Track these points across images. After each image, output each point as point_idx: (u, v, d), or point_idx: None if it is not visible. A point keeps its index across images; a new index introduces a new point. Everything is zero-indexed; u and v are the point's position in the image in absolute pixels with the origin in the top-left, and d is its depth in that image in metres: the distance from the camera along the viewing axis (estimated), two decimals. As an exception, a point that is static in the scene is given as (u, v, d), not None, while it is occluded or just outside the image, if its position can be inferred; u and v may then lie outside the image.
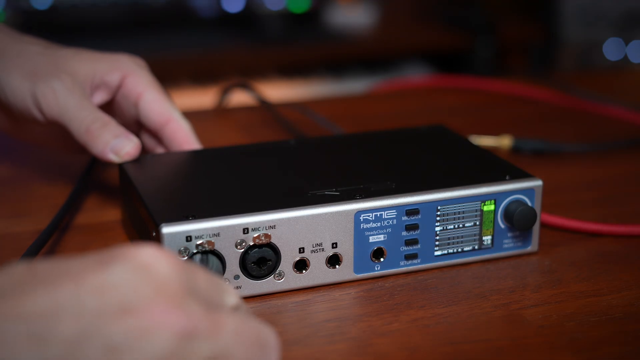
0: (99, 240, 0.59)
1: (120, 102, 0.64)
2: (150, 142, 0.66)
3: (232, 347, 0.35)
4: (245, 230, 0.49)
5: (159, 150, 0.65)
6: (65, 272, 0.33)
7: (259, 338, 0.36)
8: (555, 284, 0.53)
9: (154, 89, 0.63)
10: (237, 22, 1.92)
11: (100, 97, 0.63)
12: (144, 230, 0.52)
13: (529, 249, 0.57)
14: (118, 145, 0.58)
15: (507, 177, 0.55)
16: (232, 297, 0.38)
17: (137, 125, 0.65)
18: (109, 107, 0.64)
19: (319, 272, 0.52)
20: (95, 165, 0.64)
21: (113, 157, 0.58)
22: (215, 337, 0.34)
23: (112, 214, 0.63)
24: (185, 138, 0.62)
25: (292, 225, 0.50)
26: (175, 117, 0.63)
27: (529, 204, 0.55)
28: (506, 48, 2.05)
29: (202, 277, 0.36)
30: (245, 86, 0.87)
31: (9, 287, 0.32)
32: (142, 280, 0.33)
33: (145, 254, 0.34)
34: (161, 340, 0.32)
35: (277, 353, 0.37)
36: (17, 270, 0.33)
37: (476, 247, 0.55)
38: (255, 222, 0.49)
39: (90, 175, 0.66)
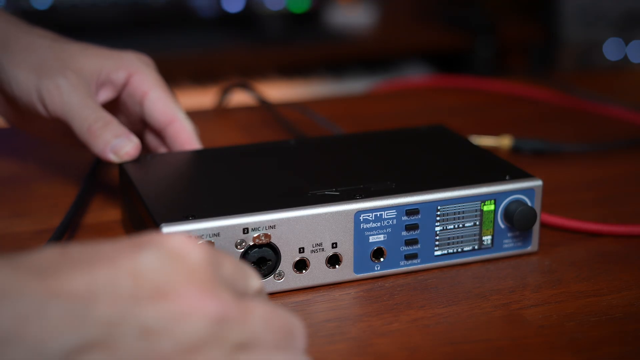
0: (99, 240, 0.59)
1: (125, 100, 0.64)
2: (153, 141, 0.66)
3: (261, 333, 0.35)
4: (245, 230, 0.49)
5: (162, 149, 0.65)
6: (99, 255, 0.34)
7: (286, 325, 0.37)
8: (555, 284, 0.53)
9: (160, 88, 0.63)
10: (237, 22, 1.92)
11: (106, 94, 0.63)
12: (144, 230, 0.52)
13: (529, 249, 0.57)
14: (118, 145, 0.58)
15: (507, 177, 0.55)
16: (255, 281, 0.38)
17: (142, 124, 0.65)
18: (115, 105, 0.64)
19: (319, 272, 0.52)
20: (100, 164, 0.64)
21: (112, 157, 0.58)
22: (245, 323, 0.35)
23: (112, 214, 0.63)
24: (187, 139, 0.62)
25: (292, 225, 0.50)
26: (179, 117, 0.63)
27: (529, 204, 0.55)
28: (506, 48, 2.05)
29: (228, 263, 0.37)
30: (245, 86, 0.87)
31: (46, 267, 0.33)
32: (174, 266, 0.34)
33: (176, 241, 0.35)
34: (195, 325, 0.33)
35: (304, 340, 0.37)
36: (51, 253, 0.34)
37: (476, 247, 0.55)
38: (255, 222, 0.49)
39: (97, 174, 0.67)
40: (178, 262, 0.34)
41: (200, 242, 0.36)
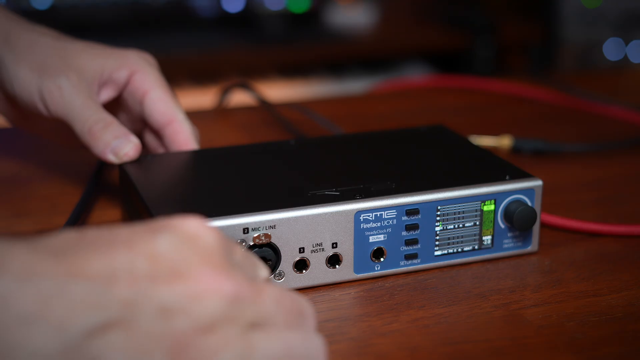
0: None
1: (126, 98, 0.64)
2: (153, 141, 0.66)
3: (273, 313, 0.36)
4: (245, 230, 0.49)
5: (161, 150, 0.65)
6: (116, 238, 0.35)
7: (297, 306, 0.38)
8: (555, 284, 0.53)
9: (161, 87, 0.63)
10: (237, 22, 1.92)
11: (107, 94, 0.63)
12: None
13: (529, 249, 0.57)
14: (117, 147, 0.58)
15: (507, 177, 0.55)
16: (263, 271, 0.39)
17: (142, 123, 0.65)
18: (116, 103, 0.64)
19: (319, 272, 0.52)
20: (105, 164, 0.64)
21: (112, 158, 0.58)
22: (258, 303, 0.36)
23: (112, 214, 0.63)
24: (185, 140, 0.62)
25: (292, 225, 0.50)
26: (178, 118, 0.62)
27: (529, 204, 0.55)
28: (506, 48, 2.05)
29: (239, 250, 0.38)
30: (245, 86, 0.87)
31: (65, 249, 0.33)
32: (190, 249, 0.35)
33: (191, 224, 0.36)
34: (211, 303, 0.34)
35: (314, 320, 0.38)
36: (69, 236, 0.34)
37: (476, 247, 0.55)
38: (255, 222, 0.49)
39: (102, 174, 0.67)
40: (193, 244, 0.35)
41: (215, 227, 0.38)
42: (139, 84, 0.62)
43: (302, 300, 0.38)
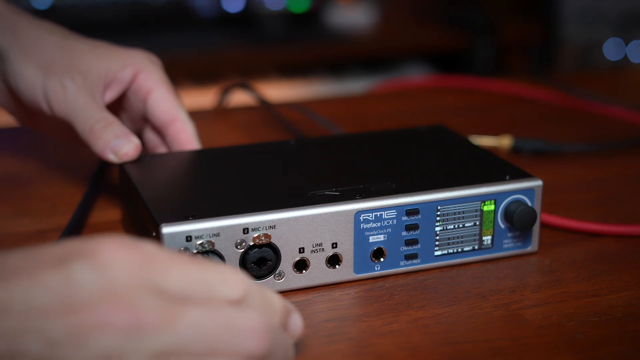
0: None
1: (129, 97, 0.64)
2: (154, 139, 0.66)
3: (190, 340, 0.35)
4: (245, 230, 0.49)
5: (162, 149, 0.65)
6: (24, 266, 0.34)
7: (233, 326, 0.36)
8: (555, 284, 0.53)
9: (165, 87, 0.63)
10: (237, 22, 1.92)
11: (112, 94, 0.63)
12: (144, 230, 0.52)
13: (529, 249, 0.57)
14: (118, 146, 0.58)
15: (507, 177, 0.55)
16: (232, 291, 0.37)
17: (142, 121, 0.65)
18: (118, 102, 0.65)
19: (319, 272, 0.52)
20: (107, 164, 0.64)
21: (112, 157, 0.58)
22: (169, 331, 0.34)
23: (112, 214, 0.63)
24: (187, 139, 0.63)
25: (292, 225, 0.50)
26: (181, 117, 0.63)
27: (529, 204, 0.55)
28: (506, 48, 2.05)
29: (180, 269, 0.37)
30: (245, 86, 0.87)
31: None
32: (94, 280, 0.34)
33: (106, 251, 0.35)
34: (105, 337, 0.33)
35: (257, 340, 0.36)
36: None
37: (476, 247, 0.55)
38: (255, 222, 0.49)
39: (104, 174, 0.67)
40: (99, 274, 0.34)
41: (142, 245, 0.36)
42: (143, 82, 0.63)
43: (258, 320, 0.36)
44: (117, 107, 0.65)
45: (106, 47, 0.63)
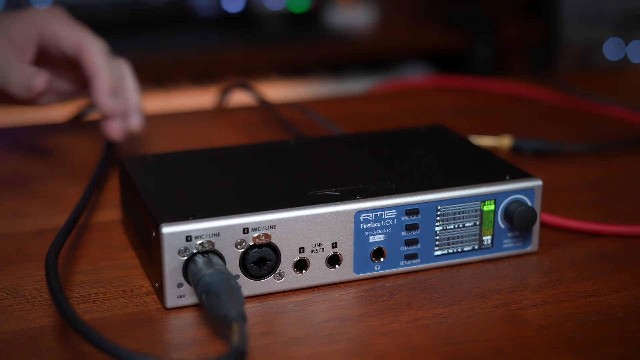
0: (99, 240, 0.59)
1: (49, 52, 0.69)
2: (72, 81, 0.72)
3: None
4: (245, 230, 0.49)
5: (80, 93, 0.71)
6: None
7: None
8: (555, 284, 0.53)
9: (65, 24, 0.69)
10: (237, 22, 1.92)
11: (30, 53, 0.68)
12: (144, 230, 0.52)
13: (529, 249, 0.57)
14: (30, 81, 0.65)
15: (507, 177, 0.55)
16: None
17: (69, 70, 0.72)
18: (48, 64, 0.71)
19: (319, 272, 0.52)
20: (107, 164, 0.64)
21: (26, 93, 0.65)
22: None
23: (112, 214, 0.63)
24: (97, 62, 0.67)
25: (292, 225, 0.50)
26: (85, 38, 0.68)
27: (529, 204, 0.55)
28: (506, 48, 2.05)
29: None
30: (245, 86, 0.87)
31: None
32: None
33: None
34: None
35: None
36: None
37: (476, 247, 0.55)
38: (255, 222, 0.49)
39: (104, 174, 0.67)
40: None
41: None
42: (48, 32, 0.69)
43: None
44: (47, 66, 0.70)
45: (10, 14, 0.70)
